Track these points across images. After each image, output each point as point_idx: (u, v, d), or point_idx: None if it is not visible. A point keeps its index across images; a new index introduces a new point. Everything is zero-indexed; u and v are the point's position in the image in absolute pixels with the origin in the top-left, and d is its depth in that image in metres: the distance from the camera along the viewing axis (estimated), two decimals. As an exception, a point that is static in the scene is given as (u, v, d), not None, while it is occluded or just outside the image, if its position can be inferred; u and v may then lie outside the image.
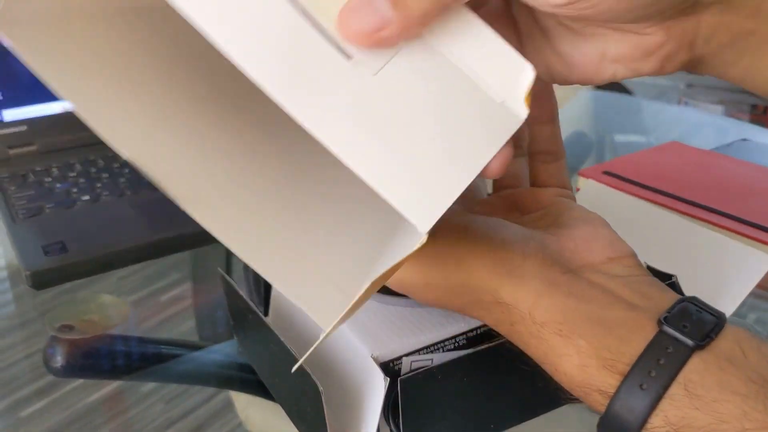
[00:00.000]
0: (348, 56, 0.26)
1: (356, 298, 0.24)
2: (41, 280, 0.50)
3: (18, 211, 0.59)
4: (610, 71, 0.33)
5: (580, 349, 0.29)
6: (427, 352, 0.36)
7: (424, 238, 0.24)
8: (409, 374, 0.34)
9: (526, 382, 0.39)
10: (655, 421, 0.27)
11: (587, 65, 0.33)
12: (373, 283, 0.25)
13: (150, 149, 0.29)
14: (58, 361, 0.49)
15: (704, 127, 0.94)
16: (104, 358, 0.50)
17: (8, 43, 0.24)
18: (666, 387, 0.27)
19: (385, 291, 0.40)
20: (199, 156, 0.31)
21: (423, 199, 0.24)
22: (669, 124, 0.96)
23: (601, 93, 1.14)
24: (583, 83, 0.35)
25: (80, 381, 0.49)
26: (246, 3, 0.25)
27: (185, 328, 0.59)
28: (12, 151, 0.69)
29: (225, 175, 0.32)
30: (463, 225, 0.34)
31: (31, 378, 0.51)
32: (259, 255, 0.29)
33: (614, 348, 0.28)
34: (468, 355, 0.36)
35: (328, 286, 0.30)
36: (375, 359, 0.34)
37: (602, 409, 0.28)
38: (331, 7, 0.26)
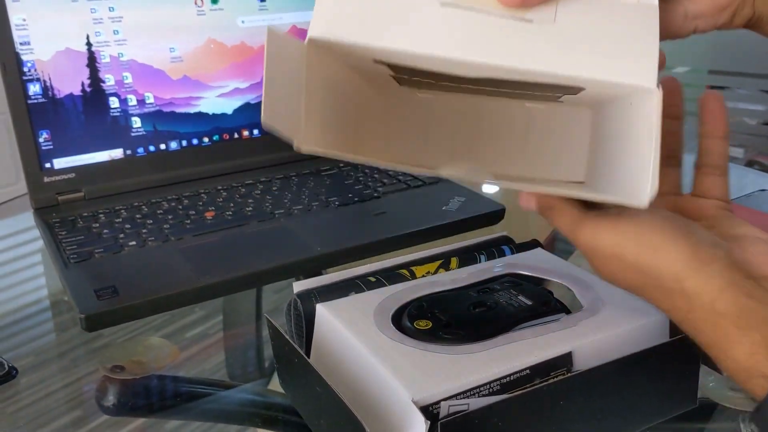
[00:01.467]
0: (529, 21, 0.38)
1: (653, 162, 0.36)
2: (95, 323, 0.53)
3: (69, 255, 0.62)
4: (692, 26, 0.43)
5: (753, 339, 0.34)
6: (463, 397, 0.38)
7: (659, 93, 0.36)
8: (448, 418, 0.36)
9: (559, 427, 0.41)
10: None
11: (674, 24, 0.43)
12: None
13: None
14: (110, 400, 0.51)
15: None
16: (153, 398, 0.53)
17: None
18: None
19: (423, 337, 0.42)
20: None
21: (636, 68, 0.37)
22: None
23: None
24: (672, 38, 0.44)
25: (105, 417, 0.51)
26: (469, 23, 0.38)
27: (210, 365, 0.61)
28: (61, 197, 0.73)
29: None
30: (664, 216, 0.39)
31: (66, 410, 0.53)
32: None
33: None
34: (503, 400, 0.38)
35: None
36: (416, 403, 0.37)
37: (762, 392, 0.34)
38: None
